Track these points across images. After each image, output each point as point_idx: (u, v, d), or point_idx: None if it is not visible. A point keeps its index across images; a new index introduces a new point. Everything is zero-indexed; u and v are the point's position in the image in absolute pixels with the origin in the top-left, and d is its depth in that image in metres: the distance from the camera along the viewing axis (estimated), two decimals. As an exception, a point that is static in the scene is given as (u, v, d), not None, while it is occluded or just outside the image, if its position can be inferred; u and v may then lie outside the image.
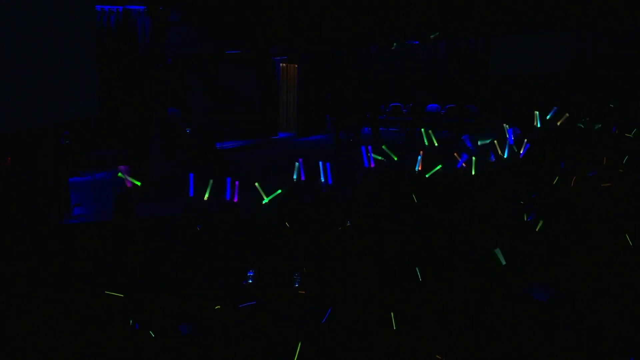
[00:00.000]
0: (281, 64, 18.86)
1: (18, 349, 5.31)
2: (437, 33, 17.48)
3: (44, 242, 8.43)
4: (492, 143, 11.86)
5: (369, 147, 11.37)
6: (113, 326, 5.53)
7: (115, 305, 5.90)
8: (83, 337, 5.40)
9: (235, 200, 9.32)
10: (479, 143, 12.28)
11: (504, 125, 13.01)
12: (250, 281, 6.30)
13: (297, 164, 10.62)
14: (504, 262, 6.32)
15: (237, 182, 9.62)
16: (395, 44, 17.13)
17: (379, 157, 11.19)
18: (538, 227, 7.62)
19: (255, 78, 17.64)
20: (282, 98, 19.17)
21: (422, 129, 12.96)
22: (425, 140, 12.31)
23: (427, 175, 10.45)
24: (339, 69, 19.48)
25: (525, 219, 7.95)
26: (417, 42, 17.87)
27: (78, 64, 9.53)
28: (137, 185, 9.99)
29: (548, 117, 13.43)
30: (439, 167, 10.59)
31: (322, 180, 10.60)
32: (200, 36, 14.83)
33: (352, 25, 16.25)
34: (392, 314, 5.52)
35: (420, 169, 10.74)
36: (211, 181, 9.74)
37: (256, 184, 9.56)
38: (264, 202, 8.91)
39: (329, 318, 5.62)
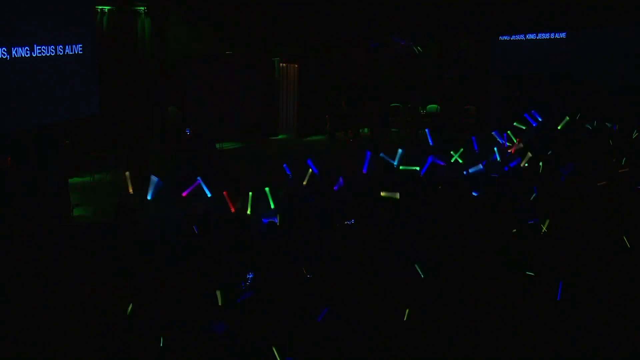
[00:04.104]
0: (281, 64, 18.86)
1: (18, 348, 5.31)
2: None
3: (44, 242, 8.42)
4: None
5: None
6: (111, 326, 5.53)
7: (113, 306, 5.90)
8: (82, 337, 5.40)
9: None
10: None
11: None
12: (248, 283, 6.30)
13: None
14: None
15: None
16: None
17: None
18: (544, 227, 7.63)
19: (255, 78, 17.63)
20: (282, 98, 19.16)
21: (427, 129, 12.99)
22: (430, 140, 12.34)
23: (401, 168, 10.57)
24: (339, 69, 19.49)
25: (527, 222, 7.95)
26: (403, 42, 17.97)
27: (78, 63, 9.53)
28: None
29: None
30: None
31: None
32: (201, 36, 14.84)
33: (352, 24, 16.27)
34: (406, 310, 5.56)
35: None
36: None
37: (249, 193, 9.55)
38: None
39: (327, 317, 5.63)
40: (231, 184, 10.71)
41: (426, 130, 15.60)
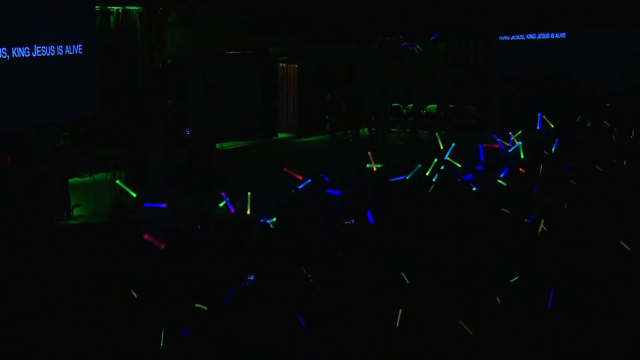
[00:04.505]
0: (281, 64, 18.86)
1: (18, 348, 5.31)
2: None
3: (44, 242, 8.42)
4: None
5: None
6: (111, 326, 5.53)
7: (113, 306, 5.89)
8: (82, 337, 5.40)
9: (232, 210, 9.08)
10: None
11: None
12: (249, 284, 6.31)
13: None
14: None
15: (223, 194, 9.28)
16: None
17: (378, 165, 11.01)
18: (540, 228, 7.61)
19: (255, 78, 17.64)
20: (282, 98, 19.17)
21: (437, 133, 12.75)
22: (441, 144, 12.09)
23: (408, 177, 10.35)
24: (339, 69, 19.50)
25: (526, 221, 7.94)
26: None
27: (78, 64, 9.52)
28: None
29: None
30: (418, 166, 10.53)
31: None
32: (201, 36, 14.82)
33: (353, 23, 16.26)
34: (399, 311, 5.52)
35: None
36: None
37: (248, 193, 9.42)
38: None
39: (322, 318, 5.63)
40: (223, 184, 10.69)
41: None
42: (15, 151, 9.30)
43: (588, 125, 15.65)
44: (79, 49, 9.44)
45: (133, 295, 5.92)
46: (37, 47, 8.58)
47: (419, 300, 5.96)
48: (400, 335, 5.50)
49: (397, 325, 5.51)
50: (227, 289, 5.92)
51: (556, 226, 7.77)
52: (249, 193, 9.61)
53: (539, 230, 7.60)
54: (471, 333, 5.35)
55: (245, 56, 17.03)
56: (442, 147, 12.05)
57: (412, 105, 19.54)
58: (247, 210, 9.60)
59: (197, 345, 5.30)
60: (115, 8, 12.73)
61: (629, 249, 6.86)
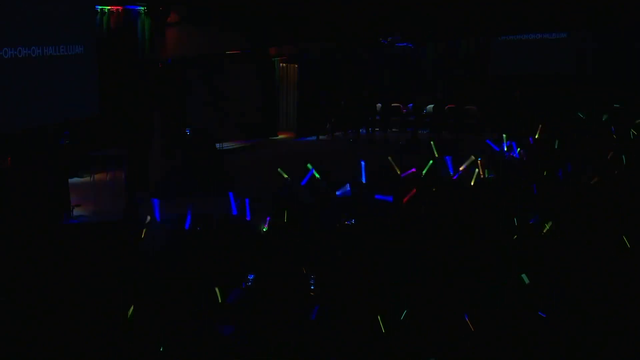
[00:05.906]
0: (281, 64, 18.88)
1: (18, 349, 5.31)
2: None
3: (44, 242, 8.41)
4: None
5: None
6: (112, 328, 5.53)
7: (114, 306, 5.89)
8: (82, 338, 5.40)
9: (248, 218, 8.87)
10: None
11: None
12: (249, 284, 6.31)
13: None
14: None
15: (247, 200, 8.81)
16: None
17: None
18: (546, 229, 7.60)
19: (255, 78, 17.65)
20: (282, 98, 19.18)
21: (432, 142, 12.62)
22: (435, 152, 12.02)
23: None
24: (339, 69, 19.50)
25: (529, 221, 7.94)
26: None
27: (78, 64, 9.53)
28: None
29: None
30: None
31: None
32: (201, 36, 14.82)
33: (352, 23, 16.28)
34: (379, 317, 5.49)
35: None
36: None
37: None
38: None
39: (323, 317, 5.63)
40: (230, 184, 10.68)
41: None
42: (15, 151, 9.30)
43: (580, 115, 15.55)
44: (79, 49, 9.45)
45: (133, 296, 5.92)
46: (37, 47, 8.59)
47: (420, 299, 5.97)
48: (401, 334, 5.50)
49: (384, 331, 5.48)
50: (232, 290, 5.93)
51: (559, 226, 7.77)
52: (247, 198, 9.53)
53: (544, 231, 7.60)
54: (473, 330, 5.36)
55: (245, 56, 17.04)
56: (436, 155, 11.94)
57: (414, 104, 19.56)
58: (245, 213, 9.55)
59: (197, 345, 5.30)
60: (115, 8, 12.74)
61: (629, 245, 6.86)
